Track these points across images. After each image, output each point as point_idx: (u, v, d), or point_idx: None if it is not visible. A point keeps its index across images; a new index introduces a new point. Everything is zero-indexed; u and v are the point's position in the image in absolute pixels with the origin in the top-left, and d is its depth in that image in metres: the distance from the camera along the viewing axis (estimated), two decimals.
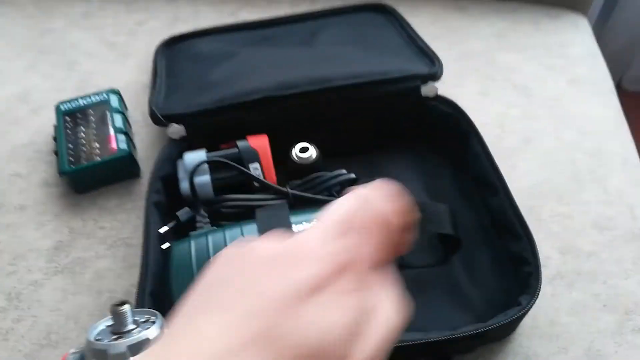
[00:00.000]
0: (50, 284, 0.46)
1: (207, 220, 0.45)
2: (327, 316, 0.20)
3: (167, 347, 0.21)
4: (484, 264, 0.45)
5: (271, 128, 0.49)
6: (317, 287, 0.20)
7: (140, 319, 0.32)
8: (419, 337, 0.36)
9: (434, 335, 0.36)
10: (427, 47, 0.56)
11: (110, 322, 0.32)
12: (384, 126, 0.53)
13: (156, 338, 0.31)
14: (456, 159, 0.51)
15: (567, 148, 0.55)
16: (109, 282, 0.45)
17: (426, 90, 0.51)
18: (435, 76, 0.52)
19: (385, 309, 0.22)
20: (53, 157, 0.54)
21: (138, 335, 0.30)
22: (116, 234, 0.49)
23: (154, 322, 0.32)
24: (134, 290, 0.40)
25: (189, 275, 0.39)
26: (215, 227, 0.43)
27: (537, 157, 0.54)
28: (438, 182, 0.51)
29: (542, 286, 0.43)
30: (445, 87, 0.59)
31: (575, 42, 0.67)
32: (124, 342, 0.30)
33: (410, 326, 0.39)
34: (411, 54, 0.56)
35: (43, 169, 0.54)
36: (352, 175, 0.46)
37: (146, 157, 0.54)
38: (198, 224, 0.45)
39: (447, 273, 0.44)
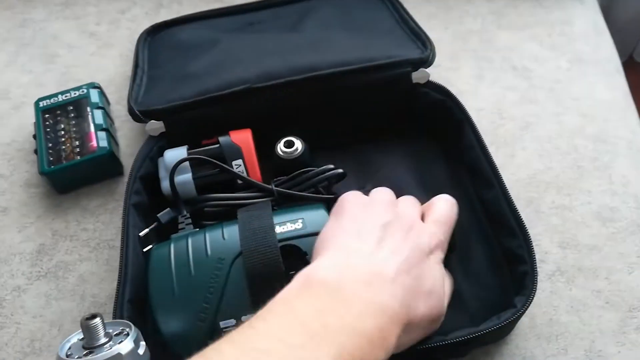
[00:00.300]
0: (34, 289, 0.44)
1: (189, 221, 0.43)
2: (435, 270, 0.35)
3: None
4: (479, 260, 0.43)
5: (255, 121, 0.46)
6: (430, 252, 0.35)
7: (114, 331, 0.31)
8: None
9: (424, 342, 0.34)
10: (420, 29, 0.53)
11: (81, 336, 0.31)
12: (374, 116, 0.50)
13: (129, 352, 0.30)
14: (450, 149, 0.49)
15: (568, 134, 0.52)
16: (93, 286, 0.44)
17: (417, 76, 0.48)
18: (426, 61, 0.49)
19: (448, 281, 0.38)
20: (35, 156, 0.53)
21: (110, 351, 0.29)
22: (99, 235, 0.47)
23: (127, 335, 0.31)
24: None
25: (168, 279, 0.37)
26: (196, 229, 0.42)
27: (537, 145, 0.51)
28: (431, 174, 0.48)
29: (540, 283, 0.42)
30: (439, 70, 0.57)
31: (580, 19, 0.63)
32: (96, 357, 0.29)
33: None
34: (402, 36, 0.53)
35: (25, 169, 0.52)
36: (340, 171, 0.44)
37: (130, 153, 0.52)
38: (180, 225, 0.43)
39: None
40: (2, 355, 0.42)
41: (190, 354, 0.35)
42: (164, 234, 0.42)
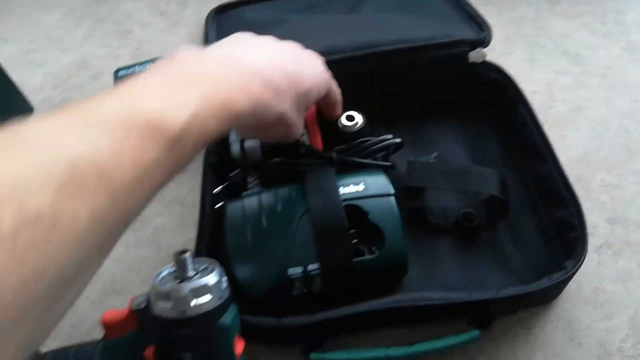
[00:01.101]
0: None
1: (257, 182, 0.47)
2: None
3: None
4: (528, 230, 0.45)
5: None
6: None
7: (200, 267, 0.35)
8: (462, 296, 0.38)
9: (478, 296, 0.37)
10: (476, 13, 0.55)
11: (173, 269, 0.35)
12: (430, 92, 0.53)
13: (215, 284, 0.33)
14: (502, 127, 0.51)
15: (619, 117, 0.53)
16: (167, 238, 0.48)
17: (474, 56, 0.51)
18: (483, 42, 0.51)
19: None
20: None
21: (198, 281, 0.33)
22: (172, 194, 0.51)
23: (212, 270, 0.34)
24: (190, 245, 0.43)
25: (242, 230, 0.41)
26: (264, 189, 0.45)
27: (587, 127, 0.53)
28: (483, 149, 0.51)
29: (588, 254, 0.43)
30: (493, 54, 0.59)
31: (634, 8, 0.64)
32: (186, 286, 0.32)
33: (454, 287, 0.41)
34: (459, 19, 0.55)
35: None
36: (398, 140, 0.47)
37: None
38: (249, 186, 0.47)
39: (492, 238, 0.45)
40: (86, 293, 0.46)
41: (261, 297, 0.39)
42: (232, 194, 0.46)
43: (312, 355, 0.38)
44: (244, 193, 0.45)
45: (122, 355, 0.35)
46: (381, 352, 0.38)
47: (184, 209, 0.50)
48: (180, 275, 0.33)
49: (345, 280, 0.40)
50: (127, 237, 0.49)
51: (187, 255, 0.34)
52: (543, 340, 0.41)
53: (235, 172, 0.47)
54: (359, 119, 0.49)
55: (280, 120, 0.35)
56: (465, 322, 0.40)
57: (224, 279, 0.35)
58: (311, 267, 0.40)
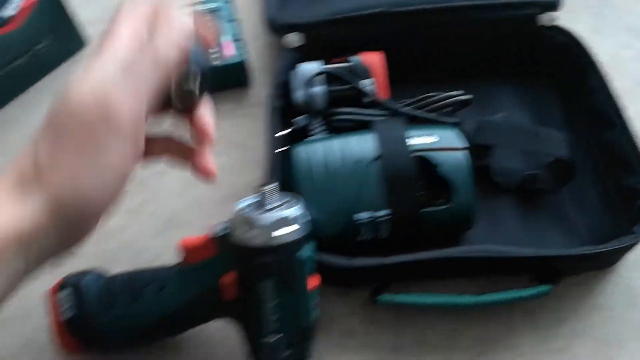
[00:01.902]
0: (173, 174, 0.49)
1: (321, 129, 0.47)
2: None
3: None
4: (592, 196, 0.45)
5: (385, 46, 0.49)
6: None
7: (283, 200, 0.35)
8: (533, 251, 0.38)
9: (550, 252, 0.38)
10: None
11: (255, 200, 0.35)
12: (496, 53, 0.52)
13: (299, 216, 0.34)
14: (567, 92, 0.51)
15: None
16: (226, 177, 0.48)
17: (544, 19, 0.50)
18: (554, 5, 0.50)
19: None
20: None
21: (281, 212, 0.33)
22: (231, 136, 0.51)
23: (296, 203, 0.34)
24: (250, 187, 0.43)
25: (310, 174, 0.41)
26: (331, 135, 0.45)
27: None
28: (546, 113, 0.50)
29: None
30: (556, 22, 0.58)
31: None
32: (272, 216, 0.33)
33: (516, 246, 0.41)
34: None
35: None
36: (467, 97, 0.46)
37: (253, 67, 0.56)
38: (311, 132, 0.47)
39: (555, 201, 0.45)
40: (148, 223, 0.47)
41: (328, 240, 0.40)
42: (294, 139, 0.46)
43: (381, 297, 0.38)
44: (309, 139, 0.45)
45: (197, 281, 0.36)
46: (450, 298, 0.38)
47: (243, 152, 0.50)
48: (264, 205, 0.34)
49: (412, 229, 0.40)
50: (187, 174, 0.49)
51: (273, 186, 0.34)
52: (602, 304, 0.41)
53: (300, 117, 0.47)
54: None
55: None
56: (527, 279, 0.40)
57: (305, 213, 0.35)
58: (379, 213, 0.40)
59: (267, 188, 0.34)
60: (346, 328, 0.41)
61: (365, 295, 0.41)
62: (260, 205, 0.34)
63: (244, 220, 0.33)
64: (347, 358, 0.40)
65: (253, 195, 0.35)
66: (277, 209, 0.34)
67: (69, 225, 0.26)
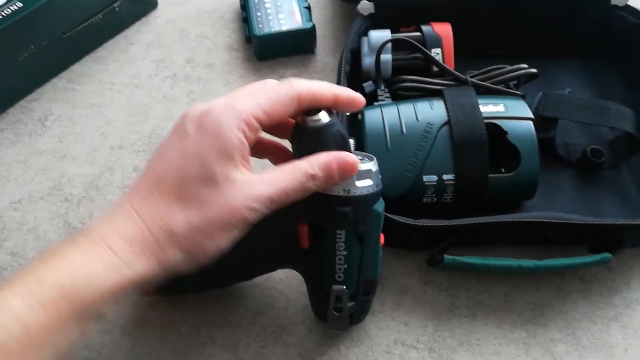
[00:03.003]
0: None
1: (388, 95, 0.48)
2: None
3: None
4: None
5: (453, 18, 0.50)
6: None
7: (358, 156, 0.36)
8: (596, 219, 0.39)
9: (613, 220, 0.39)
10: None
11: None
12: (563, 32, 0.52)
13: (376, 171, 0.35)
14: (632, 74, 0.51)
15: None
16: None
17: None
18: None
19: None
20: (235, 25, 0.59)
21: (362, 165, 0.34)
22: None
23: (372, 159, 0.36)
24: None
25: (381, 136, 0.42)
26: (398, 101, 0.46)
27: None
28: (609, 94, 0.51)
29: None
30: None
31: None
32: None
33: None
34: None
35: (227, 35, 0.58)
36: (533, 70, 0.47)
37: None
38: (379, 98, 0.48)
39: (615, 176, 0.46)
40: None
41: (394, 200, 0.41)
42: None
43: (447, 257, 0.40)
44: (378, 103, 0.46)
45: (271, 227, 0.37)
46: (513, 262, 0.40)
47: None
48: None
49: (477, 194, 0.42)
50: None
51: (352, 141, 0.36)
52: None
53: (368, 82, 0.49)
54: (323, 116, 0.34)
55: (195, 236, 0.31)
56: (586, 248, 0.41)
57: (379, 170, 0.36)
58: (446, 177, 0.42)
59: (348, 142, 0.35)
60: (402, 287, 0.43)
61: (421, 258, 0.43)
62: None
63: None
64: (402, 314, 0.42)
65: None
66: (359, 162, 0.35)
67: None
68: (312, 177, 0.32)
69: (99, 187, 0.48)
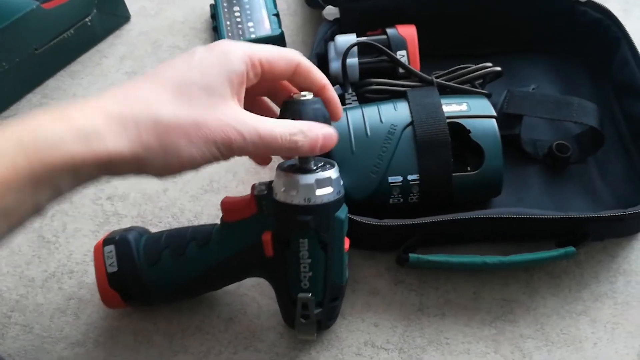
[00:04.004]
0: None
1: (355, 99, 0.48)
2: None
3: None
4: (618, 167, 0.46)
5: (419, 20, 0.50)
6: None
7: (319, 163, 0.37)
8: (559, 213, 0.39)
9: (575, 213, 0.39)
10: None
11: (294, 163, 0.37)
12: (527, 29, 0.53)
13: (337, 178, 0.35)
14: (597, 67, 0.51)
15: None
16: None
17: None
18: None
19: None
20: (207, 34, 0.59)
21: (323, 173, 0.35)
22: None
23: (333, 166, 0.36)
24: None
25: (347, 139, 0.43)
26: (365, 104, 0.47)
27: None
28: (574, 88, 0.51)
29: None
30: None
31: None
32: (312, 177, 0.34)
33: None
34: None
35: (199, 44, 0.58)
36: (498, 69, 0.48)
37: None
38: (347, 101, 0.48)
39: (581, 171, 0.47)
40: (186, 188, 0.49)
41: (361, 202, 0.42)
42: None
43: (412, 256, 0.40)
44: (344, 107, 0.47)
45: (239, 237, 0.38)
46: (477, 259, 0.40)
47: None
48: (304, 167, 0.36)
49: (442, 193, 0.42)
50: None
51: None
52: (626, 269, 0.43)
53: (335, 86, 0.49)
54: (309, 95, 0.36)
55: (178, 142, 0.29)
56: (553, 243, 0.42)
57: (340, 177, 0.37)
58: (411, 177, 0.42)
59: None
60: (372, 288, 0.43)
61: (390, 259, 0.43)
62: (299, 167, 0.36)
63: (287, 180, 0.35)
64: (372, 316, 0.42)
65: (293, 159, 0.37)
66: (316, 170, 0.35)
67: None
68: (302, 134, 0.32)
69: (72, 200, 0.49)
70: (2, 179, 0.25)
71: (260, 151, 0.32)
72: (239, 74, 0.31)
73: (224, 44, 0.32)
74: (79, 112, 0.28)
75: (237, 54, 0.32)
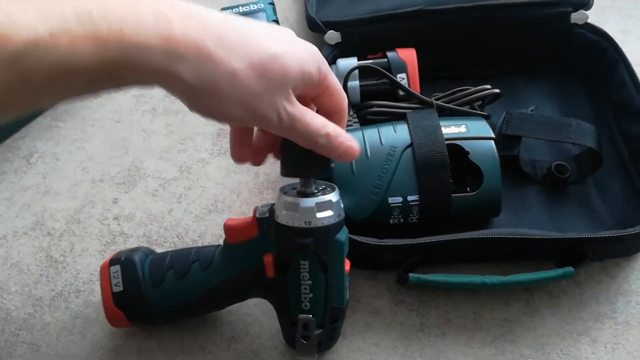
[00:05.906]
0: (215, 162, 0.53)
1: (356, 120, 0.49)
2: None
3: None
4: (617, 188, 0.47)
5: (419, 43, 0.51)
6: None
7: (320, 187, 0.38)
8: (558, 234, 0.40)
9: (574, 234, 0.39)
10: None
11: (295, 186, 0.37)
12: (526, 51, 0.54)
13: (337, 202, 0.36)
14: (595, 89, 0.52)
15: None
16: (263, 168, 0.52)
17: (576, 17, 0.52)
18: (587, 3, 0.52)
19: None
20: None
21: (323, 196, 0.36)
22: None
23: (333, 190, 0.37)
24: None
25: (347, 164, 0.44)
26: (365, 126, 0.48)
27: None
28: (573, 110, 0.52)
29: None
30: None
31: None
32: (312, 200, 0.35)
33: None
34: None
35: None
36: (497, 91, 0.48)
37: None
38: (348, 124, 0.49)
39: (581, 192, 0.47)
40: (190, 209, 0.50)
41: (361, 222, 0.42)
42: None
43: (412, 275, 0.41)
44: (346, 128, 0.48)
45: (242, 258, 0.39)
46: (477, 278, 0.40)
47: None
48: (305, 190, 0.36)
49: (441, 214, 0.43)
50: (226, 163, 0.53)
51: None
52: (626, 289, 0.43)
53: None
54: None
55: (235, 86, 0.28)
56: (553, 264, 0.42)
57: (340, 200, 0.37)
58: (410, 197, 0.43)
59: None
60: (373, 308, 0.44)
61: (391, 278, 0.44)
62: (300, 190, 0.37)
63: (288, 203, 0.35)
64: (373, 336, 0.42)
65: (294, 183, 0.38)
66: (317, 194, 0.36)
67: None
68: (326, 137, 0.32)
69: (80, 220, 0.50)
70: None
71: (290, 135, 0.31)
72: (314, 72, 0.31)
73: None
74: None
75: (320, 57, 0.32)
